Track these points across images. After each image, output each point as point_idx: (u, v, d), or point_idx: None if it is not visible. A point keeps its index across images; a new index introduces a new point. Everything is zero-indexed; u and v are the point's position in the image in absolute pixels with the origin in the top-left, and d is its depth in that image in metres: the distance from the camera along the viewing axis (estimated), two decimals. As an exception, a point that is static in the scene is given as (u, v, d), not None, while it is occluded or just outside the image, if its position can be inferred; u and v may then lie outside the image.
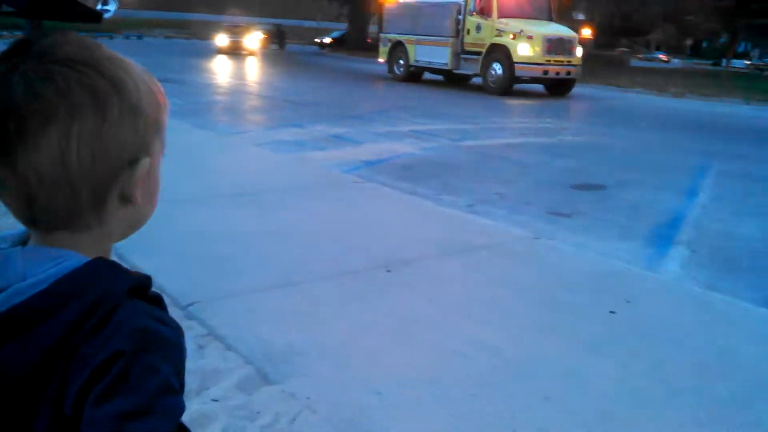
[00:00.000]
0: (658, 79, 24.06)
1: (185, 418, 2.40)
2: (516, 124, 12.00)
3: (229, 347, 3.21)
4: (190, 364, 2.74)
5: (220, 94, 15.83)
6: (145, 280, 0.84)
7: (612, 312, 3.68)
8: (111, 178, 0.80)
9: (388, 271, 4.23)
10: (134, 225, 0.89)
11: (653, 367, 3.10)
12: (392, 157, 8.62)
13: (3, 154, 0.76)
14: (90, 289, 0.77)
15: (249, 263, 4.30)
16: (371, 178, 7.10)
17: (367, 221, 5.32)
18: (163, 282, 3.71)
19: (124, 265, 0.85)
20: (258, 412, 2.72)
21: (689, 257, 5.08)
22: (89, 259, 0.80)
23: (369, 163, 8.15)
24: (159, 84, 0.87)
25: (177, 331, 0.82)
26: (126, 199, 0.82)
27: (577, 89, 19.75)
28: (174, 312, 3.58)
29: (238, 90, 16.79)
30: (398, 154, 8.85)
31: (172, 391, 0.77)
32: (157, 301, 0.88)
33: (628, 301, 3.82)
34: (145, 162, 0.82)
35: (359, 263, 4.36)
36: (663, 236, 5.59)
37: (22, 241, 0.87)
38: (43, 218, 0.82)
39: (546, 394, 2.85)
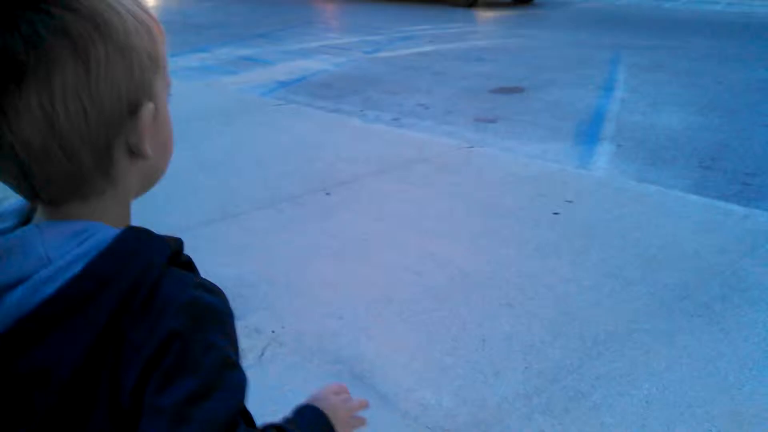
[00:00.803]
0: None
1: None
2: (424, 31, 11.83)
3: (179, 288, 3.10)
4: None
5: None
6: (179, 247, 0.75)
7: (556, 213, 3.74)
8: (111, 133, 0.68)
9: (327, 193, 4.16)
10: (151, 178, 0.79)
11: (603, 264, 3.18)
12: (307, 75, 8.39)
13: None
14: (128, 267, 0.67)
15: (182, 197, 4.13)
16: (290, 99, 6.90)
17: (295, 144, 5.18)
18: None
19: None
20: (222, 351, 2.65)
21: (616, 152, 5.20)
22: (117, 230, 0.69)
23: (284, 84, 7.90)
24: (151, 11, 0.73)
25: (222, 297, 0.74)
26: (135, 152, 0.71)
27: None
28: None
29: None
30: (313, 71, 8.62)
31: (233, 365, 0.71)
32: (190, 266, 0.79)
33: (569, 201, 3.89)
34: (148, 107, 0.70)
35: (296, 188, 4.26)
36: (587, 134, 5.69)
37: (26, 215, 0.75)
38: (45, 191, 0.70)
39: (507, 301, 2.90)
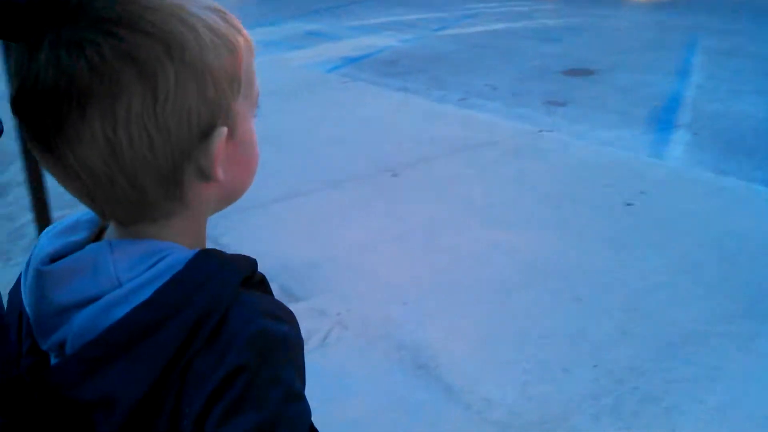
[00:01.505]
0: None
1: None
2: (492, 8, 11.63)
3: (245, 266, 3.13)
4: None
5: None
6: (252, 269, 0.71)
7: (629, 204, 3.63)
8: (179, 159, 0.63)
9: (394, 175, 4.13)
10: (230, 197, 0.74)
11: (679, 260, 3.07)
12: (373, 52, 8.33)
13: (47, 150, 0.62)
14: (199, 294, 0.64)
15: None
16: (356, 77, 6.87)
17: (362, 123, 5.16)
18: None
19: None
20: (287, 332, 2.66)
21: (692, 141, 5.02)
22: (189, 253, 0.66)
23: (351, 60, 7.87)
24: (234, 19, 0.68)
25: (293, 324, 0.70)
26: (206, 177, 0.66)
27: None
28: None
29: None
30: (379, 47, 8.56)
31: (297, 397, 0.68)
32: (263, 285, 0.77)
33: (642, 192, 3.77)
34: (220, 132, 0.64)
35: (363, 168, 4.24)
36: (662, 120, 5.51)
37: (99, 225, 0.74)
38: (112, 214, 0.68)
39: (576, 295, 2.82)
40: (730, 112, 5.64)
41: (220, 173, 0.66)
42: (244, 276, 0.68)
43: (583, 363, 2.43)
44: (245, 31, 0.69)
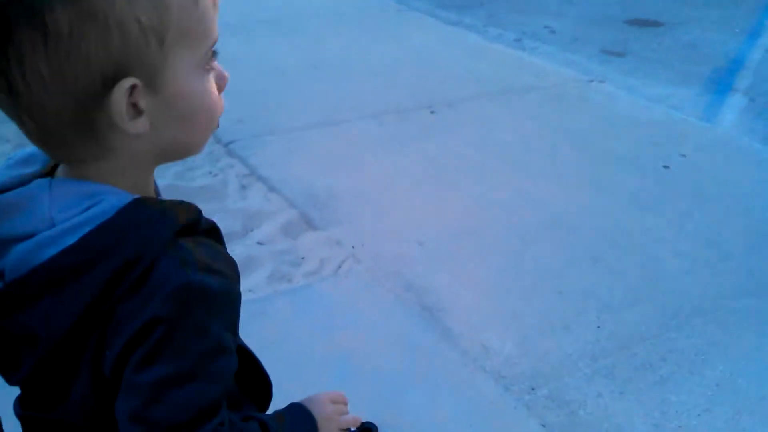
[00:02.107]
0: None
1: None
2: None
3: (271, 188, 3.18)
4: (234, 204, 2.69)
5: None
6: (192, 219, 0.73)
7: (665, 167, 3.54)
8: (84, 106, 0.64)
9: (432, 112, 4.09)
10: (173, 152, 0.74)
11: (705, 229, 3.01)
12: (436, -19, 8.12)
13: None
14: (126, 242, 0.66)
15: (290, 98, 4.17)
16: (412, 6, 6.73)
17: (409, 55, 5.09)
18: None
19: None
20: (303, 258, 2.72)
21: (747, 106, 4.82)
22: (125, 200, 0.68)
23: (411, -12, 7.69)
24: None
25: (229, 278, 0.72)
26: (117, 127, 0.66)
27: None
28: (215, 148, 3.55)
29: None
30: (442, -23, 8.33)
31: (222, 350, 0.70)
32: (213, 233, 0.78)
33: (682, 155, 3.67)
34: (122, 84, 0.63)
35: (402, 102, 4.21)
36: (720, 82, 5.29)
37: (52, 162, 0.76)
38: (46, 152, 0.71)
39: (594, 254, 2.81)
40: (794, 81, 5.39)
41: (132, 126, 0.66)
42: (179, 226, 0.69)
43: (587, 323, 2.43)
44: None
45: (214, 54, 0.73)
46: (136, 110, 0.67)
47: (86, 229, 0.66)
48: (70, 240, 0.66)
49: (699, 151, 3.77)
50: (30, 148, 0.75)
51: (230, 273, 0.74)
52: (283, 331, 2.30)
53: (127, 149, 0.70)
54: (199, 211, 0.75)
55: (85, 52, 0.61)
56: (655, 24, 6.84)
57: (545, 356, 2.26)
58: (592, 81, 4.81)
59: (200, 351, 0.67)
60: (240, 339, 0.88)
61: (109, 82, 0.64)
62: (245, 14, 5.74)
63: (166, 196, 0.79)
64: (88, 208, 0.67)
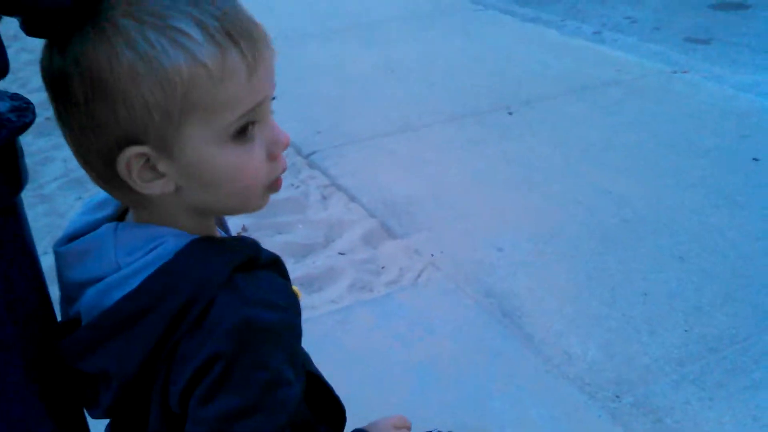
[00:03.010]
0: None
1: (315, 271, 2.42)
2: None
3: (352, 198, 3.24)
4: (316, 215, 2.75)
5: None
6: (251, 254, 0.76)
7: (755, 159, 3.41)
8: (106, 160, 0.71)
9: (510, 113, 4.06)
10: (208, 211, 0.79)
11: (800, 224, 2.88)
12: (512, -24, 8.03)
13: None
14: (184, 283, 0.70)
15: (367, 106, 4.23)
16: (489, 4, 6.68)
17: (486, 54, 5.06)
18: (284, 128, 3.71)
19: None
20: (383, 267, 2.76)
21: None
22: (183, 242, 0.73)
23: (487, -15, 7.63)
24: (235, 35, 0.69)
25: (287, 311, 0.75)
26: (134, 182, 0.73)
27: None
28: (296, 160, 3.63)
29: None
30: (518, -28, 8.23)
31: (284, 383, 0.73)
32: (275, 265, 0.81)
33: (774, 147, 3.52)
34: (128, 152, 0.69)
35: (479, 104, 4.20)
36: (816, 64, 5.04)
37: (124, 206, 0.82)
38: (105, 189, 0.79)
39: (680, 254, 2.73)
40: None
41: (148, 187, 0.72)
42: (236, 263, 0.74)
43: (674, 326, 2.37)
44: (213, 69, 0.68)
45: (248, 125, 0.74)
46: (156, 173, 0.72)
47: (148, 272, 0.71)
48: (134, 283, 0.71)
49: (792, 140, 3.61)
50: (103, 192, 0.81)
51: (289, 306, 0.77)
52: (365, 341, 2.34)
53: (162, 203, 0.75)
54: (258, 246, 0.79)
55: (97, 119, 0.68)
56: (742, 6, 6.57)
57: (630, 362, 2.22)
58: (675, 71, 4.67)
59: (261, 385, 0.70)
60: (311, 365, 0.91)
61: (121, 145, 0.70)
62: (319, 22, 5.84)
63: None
64: (151, 251, 0.73)
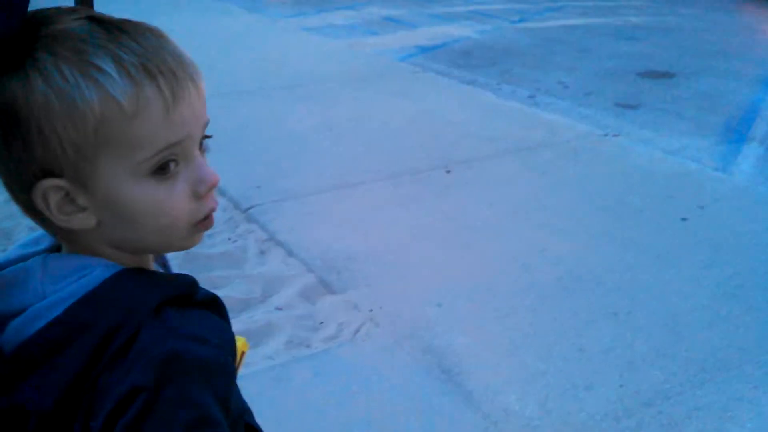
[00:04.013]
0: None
1: (253, 327, 2.36)
2: (577, 2, 11.35)
3: (290, 253, 3.21)
4: (253, 270, 2.69)
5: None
6: (185, 290, 0.74)
7: (684, 219, 3.53)
8: (24, 193, 0.70)
9: (448, 171, 4.13)
10: (132, 248, 0.76)
11: (726, 282, 2.98)
12: (449, 41, 8.28)
13: None
14: (108, 312, 0.67)
15: (306, 162, 4.23)
16: (428, 67, 6.86)
17: (424, 116, 5.16)
18: (223, 182, 3.65)
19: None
20: (321, 323, 2.73)
21: (764, 155, 4.82)
22: (111, 271, 0.70)
23: (425, 49, 7.85)
24: (152, 71, 0.68)
25: (220, 348, 0.72)
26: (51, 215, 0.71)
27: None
28: (234, 214, 3.60)
29: (287, -34, 16.21)
30: (455, 38, 8.50)
31: (211, 424, 0.67)
32: (212, 305, 0.79)
33: (700, 207, 3.66)
34: (41, 185, 0.68)
35: (417, 162, 4.25)
36: (735, 131, 5.30)
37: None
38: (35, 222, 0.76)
39: (613, 310, 2.78)
40: (810, 127, 5.39)
41: (66, 220, 0.70)
42: (166, 296, 0.71)
43: (609, 381, 2.40)
44: (130, 109, 0.67)
45: (169, 162, 0.71)
46: (77, 206, 0.70)
47: (71, 302, 0.68)
48: (58, 312, 0.67)
49: (717, 202, 3.76)
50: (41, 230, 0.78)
51: (223, 344, 0.74)
52: (303, 398, 2.29)
53: (86, 238, 0.73)
54: (195, 284, 0.76)
55: (15, 152, 0.68)
56: (667, 75, 6.90)
57: (568, 418, 2.23)
58: (606, 135, 4.84)
59: (185, 423, 0.65)
60: (253, 418, 0.87)
61: (40, 179, 0.68)
62: (261, 80, 5.88)
63: (184, 263, 0.81)
64: (78, 279, 0.70)
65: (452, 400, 2.30)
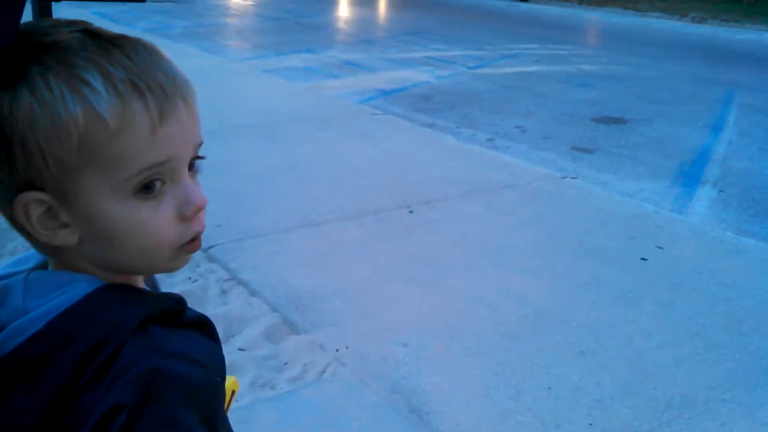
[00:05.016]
0: (678, 3, 23.35)
1: None
2: (531, 50, 11.65)
3: (253, 293, 3.15)
4: (214, 310, 2.63)
5: (228, 15, 15.41)
6: (172, 308, 0.71)
7: (644, 259, 3.58)
8: (8, 208, 0.68)
9: (411, 212, 4.13)
10: (114, 267, 0.72)
11: (688, 320, 3.02)
12: (408, 86, 8.39)
13: None
14: (91, 327, 0.64)
15: (268, 202, 4.20)
16: (387, 110, 6.92)
17: (386, 157, 5.18)
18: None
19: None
20: (286, 363, 2.67)
21: (717, 198, 4.95)
22: (95, 285, 0.68)
23: (384, 93, 7.93)
24: (140, 86, 0.66)
25: (208, 369, 0.69)
26: (33, 229, 0.68)
27: (592, 13, 19.21)
28: (195, 255, 3.52)
29: (246, 11, 16.33)
30: (414, 82, 8.62)
31: None
32: (202, 326, 0.76)
33: (659, 247, 3.72)
34: (22, 198, 0.66)
35: (380, 203, 4.25)
36: (689, 175, 5.45)
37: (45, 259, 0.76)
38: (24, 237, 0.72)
39: (580, 349, 2.79)
40: (758, 172, 5.57)
41: (48, 236, 0.68)
42: (155, 312, 0.68)
43: (579, 420, 2.38)
44: (145, 108, 0.66)
45: (154, 181, 0.69)
46: (59, 222, 0.68)
47: (52, 316, 0.64)
48: (36, 327, 0.64)
49: (675, 242, 3.83)
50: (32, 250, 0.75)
51: (210, 364, 0.71)
52: (269, 440, 2.22)
53: (70, 255, 0.70)
54: (184, 303, 0.73)
55: (2, 163, 0.65)
56: (621, 121, 7.09)
57: (539, 457, 2.20)
58: (565, 177, 4.92)
59: None
60: None
61: (22, 191, 0.66)
62: (223, 120, 5.85)
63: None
64: (61, 295, 0.66)
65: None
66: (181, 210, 0.71)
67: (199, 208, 0.73)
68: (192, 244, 0.74)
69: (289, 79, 8.19)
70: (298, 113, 6.34)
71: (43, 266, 0.75)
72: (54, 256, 0.71)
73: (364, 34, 13.06)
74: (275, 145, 5.32)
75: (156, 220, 0.69)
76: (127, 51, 0.67)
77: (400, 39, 12.46)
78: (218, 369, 0.73)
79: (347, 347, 2.74)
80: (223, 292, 3.19)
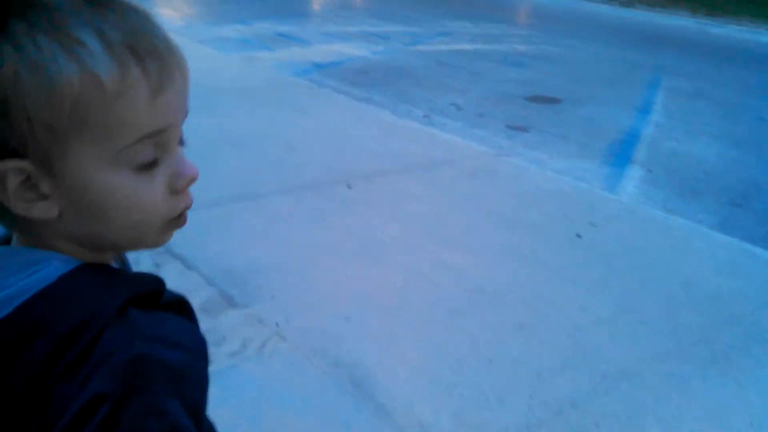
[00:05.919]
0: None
1: None
2: (465, 28, 11.70)
3: (188, 266, 3.06)
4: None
5: (156, -18, 14.90)
6: (151, 289, 0.67)
7: (578, 236, 3.65)
8: None
9: (349, 187, 4.09)
10: (97, 243, 0.68)
11: (621, 296, 3.10)
12: (344, 60, 8.31)
13: None
14: (67, 312, 0.59)
15: (202, 174, 3.99)
16: (323, 83, 6.84)
17: (323, 131, 5.12)
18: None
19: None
20: (224, 337, 2.61)
21: (645, 177, 5.09)
22: (69, 267, 0.63)
23: (320, 66, 7.83)
24: (139, 52, 0.61)
25: (192, 353, 0.65)
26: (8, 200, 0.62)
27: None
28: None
29: (175, -21, 15.82)
30: (350, 57, 8.54)
31: None
32: (178, 307, 0.71)
33: (592, 224, 3.80)
34: (4, 164, 0.60)
35: (318, 177, 4.20)
36: (619, 155, 5.58)
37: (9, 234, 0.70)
38: None
39: (519, 322, 2.82)
40: (684, 153, 5.75)
41: (25, 208, 0.62)
42: (132, 295, 0.63)
43: (519, 392, 2.42)
44: (144, 73, 0.61)
45: (157, 159, 0.65)
46: (38, 193, 0.62)
47: (24, 298, 0.59)
48: (6, 311, 0.59)
49: (607, 220, 3.92)
50: None
51: (194, 349, 0.67)
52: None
53: (44, 230, 0.64)
54: (162, 283, 0.69)
55: None
56: (554, 101, 7.20)
57: (482, 429, 2.22)
58: (500, 155, 4.96)
59: None
60: (212, 425, 0.80)
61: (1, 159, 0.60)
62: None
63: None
64: (32, 275, 0.61)
65: (366, 415, 2.24)
66: (173, 183, 0.68)
67: (192, 180, 0.70)
68: (179, 219, 0.71)
69: (223, 50, 7.99)
70: (233, 85, 6.19)
71: (5, 242, 0.68)
72: (24, 230, 0.65)
73: (299, 6, 12.86)
74: (210, 118, 5.18)
75: (149, 192, 0.66)
76: (121, 13, 0.62)
77: (335, 13, 12.32)
78: (202, 353, 0.69)
79: (287, 321, 2.70)
80: (157, 265, 3.09)
